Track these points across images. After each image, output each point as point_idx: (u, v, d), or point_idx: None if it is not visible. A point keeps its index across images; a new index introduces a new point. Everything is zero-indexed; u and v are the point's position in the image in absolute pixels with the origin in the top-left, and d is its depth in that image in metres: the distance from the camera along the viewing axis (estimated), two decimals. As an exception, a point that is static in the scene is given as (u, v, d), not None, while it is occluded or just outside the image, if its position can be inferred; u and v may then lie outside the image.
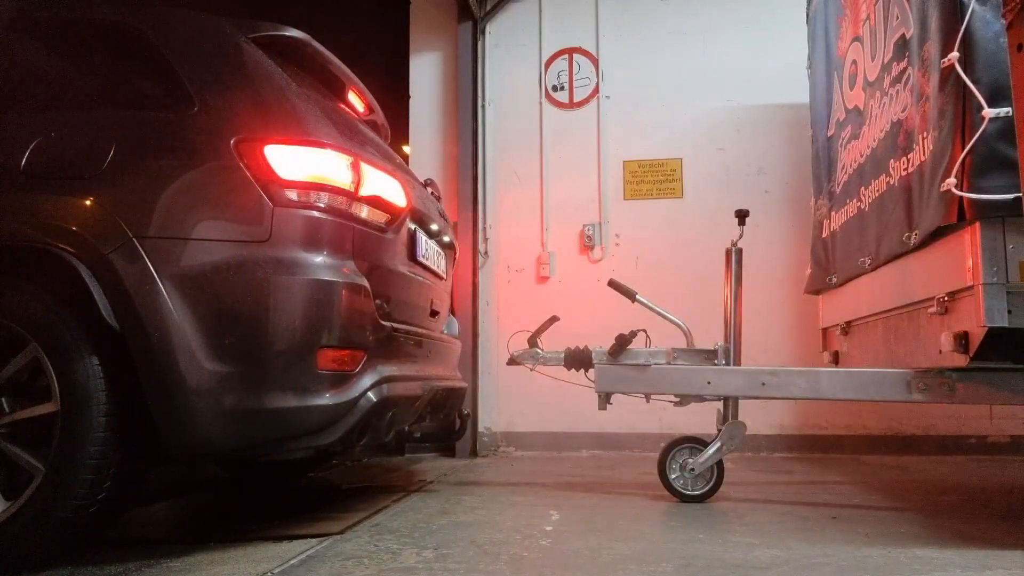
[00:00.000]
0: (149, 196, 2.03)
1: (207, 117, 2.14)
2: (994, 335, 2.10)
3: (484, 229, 5.01)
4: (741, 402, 2.97)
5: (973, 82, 2.12)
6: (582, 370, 3.06)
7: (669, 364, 2.99)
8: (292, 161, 2.12)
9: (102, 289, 1.95)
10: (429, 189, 3.24)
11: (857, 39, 3.27)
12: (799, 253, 4.55)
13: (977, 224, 2.11)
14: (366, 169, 2.31)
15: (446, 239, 3.17)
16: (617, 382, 2.98)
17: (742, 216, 3.12)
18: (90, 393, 1.93)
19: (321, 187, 2.15)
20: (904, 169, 2.63)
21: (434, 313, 2.98)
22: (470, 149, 4.97)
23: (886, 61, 2.87)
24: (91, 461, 1.91)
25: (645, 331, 3.07)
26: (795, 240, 4.67)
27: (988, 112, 2.08)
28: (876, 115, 2.98)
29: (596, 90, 5.06)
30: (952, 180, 2.15)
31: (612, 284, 3.26)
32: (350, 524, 2.42)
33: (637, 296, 3.20)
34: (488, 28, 5.19)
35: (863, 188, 3.12)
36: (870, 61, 3.09)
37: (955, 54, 2.18)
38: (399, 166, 2.91)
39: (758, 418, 4.52)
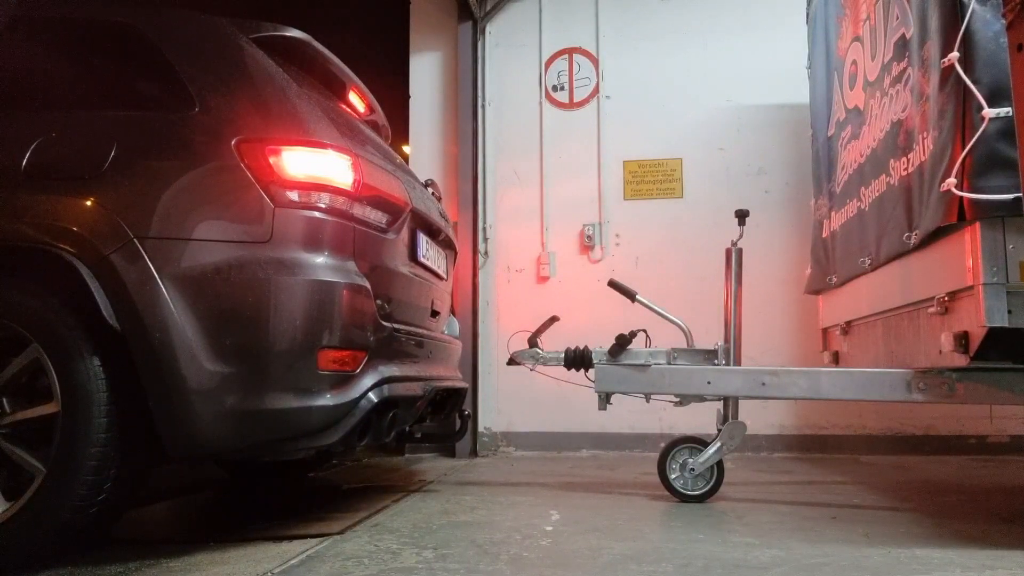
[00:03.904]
0: (150, 197, 2.04)
1: (208, 117, 2.15)
2: (994, 335, 2.09)
3: (484, 229, 5.01)
4: (741, 402, 2.98)
5: (973, 82, 2.12)
6: (582, 370, 3.06)
7: (669, 364, 2.99)
8: (293, 162, 2.12)
9: (103, 289, 1.96)
10: (430, 189, 3.24)
11: (857, 39, 3.27)
12: (799, 253, 4.55)
13: (977, 224, 2.11)
14: (367, 169, 2.31)
15: (446, 239, 3.17)
16: (617, 382, 2.98)
17: (742, 216, 3.12)
18: (91, 394, 1.93)
19: (322, 187, 2.15)
20: (904, 169, 2.64)
21: (435, 313, 2.99)
22: (470, 149, 4.97)
23: (886, 61, 2.87)
24: (92, 462, 1.91)
25: (645, 331, 3.07)
26: (795, 240, 4.68)
27: (988, 112, 2.08)
28: (876, 115, 2.98)
29: (596, 90, 5.06)
30: (952, 180, 2.15)
31: (612, 284, 3.26)
32: (350, 524, 2.42)
33: (637, 296, 3.20)
34: (488, 28, 5.19)
35: (863, 188, 3.12)
36: (870, 61, 3.09)
37: (955, 54, 2.18)
38: (399, 166, 2.91)
39: (758, 418, 4.53)
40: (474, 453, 4.75)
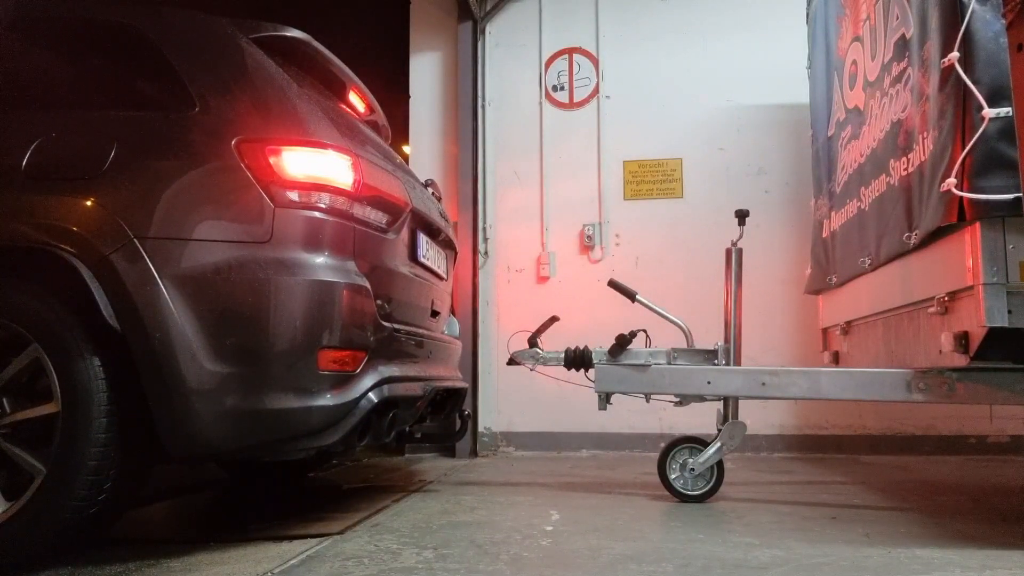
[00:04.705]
0: (150, 197, 2.04)
1: (208, 118, 2.15)
2: (994, 335, 2.10)
3: (484, 229, 5.01)
4: (741, 402, 2.98)
5: (973, 82, 2.12)
6: (582, 370, 3.07)
7: (669, 364, 2.99)
8: (293, 162, 2.12)
9: (103, 290, 1.96)
10: (430, 189, 3.24)
11: (857, 39, 3.27)
12: (799, 253, 4.56)
13: (977, 224, 2.11)
14: (367, 170, 2.31)
15: (446, 239, 3.17)
16: (617, 382, 2.98)
17: (742, 216, 3.12)
18: (91, 394, 1.93)
19: (322, 188, 2.15)
20: (904, 169, 2.64)
21: (435, 313, 2.99)
22: (470, 149, 4.97)
23: (886, 61, 2.87)
24: (92, 462, 1.91)
25: (645, 331, 3.07)
26: (795, 240, 4.68)
27: (988, 112, 2.08)
28: (876, 115, 2.98)
29: (596, 90, 5.06)
30: (952, 180, 2.15)
31: (612, 284, 3.26)
32: (350, 524, 2.43)
33: (637, 296, 3.20)
34: (488, 28, 5.19)
35: (863, 188, 3.12)
36: (870, 61, 3.09)
37: (955, 54, 2.18)
38: (400, 166, 2.91)
39: (758, 418, 4.53)
40: (474, 453, 4.75)
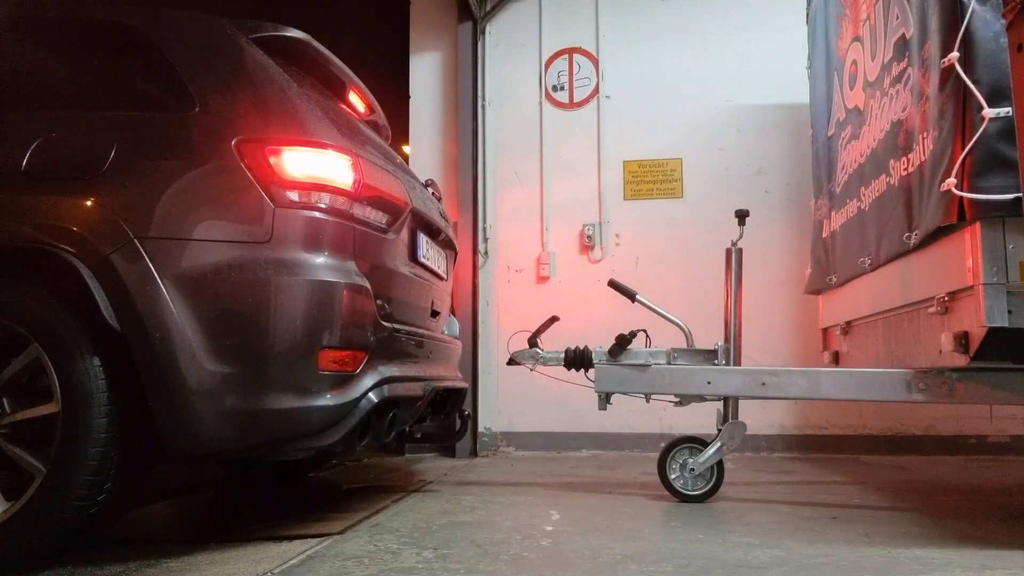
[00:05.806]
0: (150, 197, 2.04)
1: (208, 118, 2.15)
2: (994, 335, 2.10)
3: (484, 229, 5.01)
4: (741, 402, 2.98)
5: (973, 82, 2.12)
6: (582, 370, 3.07)
7: (669, 364, 2.99)
8: (293, 162, 2.12)
9: (103, 290, 1.96)
10: (430, 189, 3.24)
11: (857, 39, 3.28)
12: (799, 253, 4.56)
13: (977, 224, 2.11)
14: (367, 170, 2.31)
15: (446, 239, 3.17)
16: (617, 382, 2.98)
17: (742, 216, 3.12)
18: (91, 394, 1.94)
19: (322, 188, 2.15)
20: (904, 169, 2.64)
21: (435, 313, 2.99)
22: (470, 149, 4.97)
23: (886, 61, 2.87)
24: (92, 462, 1.91)
25: (645, 331, 3.07)
26: (795, 240, 4.68)
27: (988, 112, 2.08)
28: (876, 115, 2.98)
29: (596, 90, 5.06)
30: (952, 180, 2.15)
31: (612, 284, 3.26)
32: (350, 524, 2.43)
33: (637, 296, 3.20)
34: (488, 28, 5.19)
35: (863, 188, 3.12)
36: (870, 61, 3.09)
37: (955, 54, 2.18)
38: (400, 166, 2.91)
39: (758, 418, 4.53)
40: (474, 453, 4.75)
